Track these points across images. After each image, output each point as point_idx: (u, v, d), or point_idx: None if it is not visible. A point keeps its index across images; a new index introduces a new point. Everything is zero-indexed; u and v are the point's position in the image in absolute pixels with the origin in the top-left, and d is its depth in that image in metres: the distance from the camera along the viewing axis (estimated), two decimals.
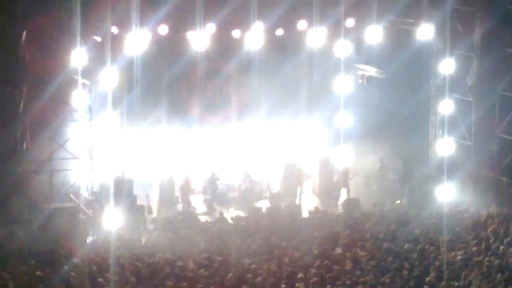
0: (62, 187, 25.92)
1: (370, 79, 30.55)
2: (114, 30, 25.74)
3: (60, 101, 25.73)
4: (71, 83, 25.57)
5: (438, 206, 24.87)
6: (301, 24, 27.73)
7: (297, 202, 29.03)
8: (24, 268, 19.66)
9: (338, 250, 21.20)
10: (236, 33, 27.37)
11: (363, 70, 30.67)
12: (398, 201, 28.41)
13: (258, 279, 18.78)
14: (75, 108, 25.94)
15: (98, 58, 25.71)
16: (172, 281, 18.69)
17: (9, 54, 24.93)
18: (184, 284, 18.49)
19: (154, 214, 27.50)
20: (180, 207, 28.43)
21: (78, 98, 25.68)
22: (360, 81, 31.12)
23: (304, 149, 31.73)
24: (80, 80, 25.46)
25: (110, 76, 24.73)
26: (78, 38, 24.69)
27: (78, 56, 24.72)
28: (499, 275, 18.51)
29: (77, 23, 24.61)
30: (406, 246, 21.06)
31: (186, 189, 28.84)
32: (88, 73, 25.66)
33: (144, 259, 20.41)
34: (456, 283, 18.28)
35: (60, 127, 26.17)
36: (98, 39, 25.98)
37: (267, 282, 18.81)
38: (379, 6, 27.91)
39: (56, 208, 24.93)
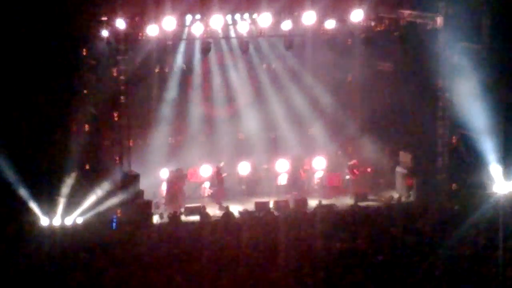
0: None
1: (379, 71, 30.42)
2: (121, 24, 25.62)
3: None
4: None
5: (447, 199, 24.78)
6: (308, 16, 27.43)
7: (304, 195, 28.86)
8: None
9: (346, 244, 21.11)
10: (243, 25, 27.17)
11: (373, 62, 30.53)
12: (407, 195, 28.31)
13: (267, 273, 18.74)
14: (81, 102, 25.95)
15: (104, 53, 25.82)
16: (179, 276, 18.64)
17: None
18: (192, 278, 18.44)
19: (161, 209, 27.41)
20: (186, 200, 28.29)
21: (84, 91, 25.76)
22: (370, 73, 31.00)
23: (312, 142, 31.58)
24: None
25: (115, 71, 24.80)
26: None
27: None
28: None
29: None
30: (415, 240, 20.94)
31: (191, 182, 28.78)
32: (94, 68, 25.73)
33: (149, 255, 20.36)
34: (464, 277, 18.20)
35: None
36: (105, 34, 25.95)
37: (276, 276, 18.76)
38: None
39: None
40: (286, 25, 27.19)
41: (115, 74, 25.95)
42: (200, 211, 26.70)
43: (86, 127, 26.05)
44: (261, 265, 19.37)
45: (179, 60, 29.76)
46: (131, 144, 27.26)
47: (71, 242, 21.65)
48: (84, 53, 25.64)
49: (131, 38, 26.04)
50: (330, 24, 27.38)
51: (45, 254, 20.66)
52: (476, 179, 27.13)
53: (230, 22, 26.85)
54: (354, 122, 31.52)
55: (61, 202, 24.64)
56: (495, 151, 26.99)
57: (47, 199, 24.76)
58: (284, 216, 25.25)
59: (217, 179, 29.16)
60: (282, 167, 30.27)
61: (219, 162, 29.45)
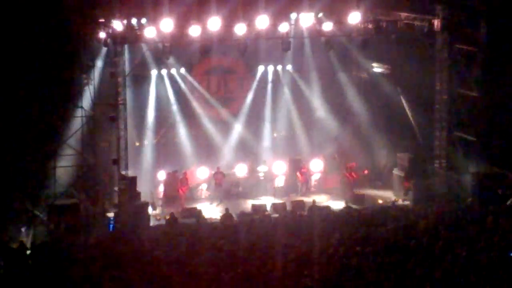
0: (65, 184, 25.88)
1: (377, 74, 30.46)
2: (118, 25, 25.60)
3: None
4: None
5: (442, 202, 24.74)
6: (306, 18, 27.39)
7: (301, 198, 28.85)
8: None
9: (342, 247, 21.04)
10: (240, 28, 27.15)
11: (370, 65, 30.57)
12: (404, 197, 28.32)
13: (264, 275, 18.69)
14: (78, 104, 25.94)
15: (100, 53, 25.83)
16: (176, 278, 18.59)
17: None
18: (190, 280, 18.38)
19: (158, 210, 27.39)
20: (183, 202, 28.25)
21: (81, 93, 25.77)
22: (368, 76, 31.03)
23: (310, 144, 31.63)
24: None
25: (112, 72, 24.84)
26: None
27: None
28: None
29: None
30: (411, 242, 20.88)
31: (188, 184, 28.77)
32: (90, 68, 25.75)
33: (146, 256, 20.29)
34: (462, 280, 18.13)
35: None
36: (102, 35, 25.96)
37: (273, 279, 18.71)
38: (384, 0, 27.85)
39: (59, 204, 24.81)
40: (283, 27, 27.14)
41: (112, 76, 25.91)
42: (196, 213, 26.67)
43: (83, 128, 26.02)
44: (259, 267, 19.30)
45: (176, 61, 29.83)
46: (128, 145, 27.23)
47: (69, 243, 21.65)
48: (81, 55, 25.62)
49: (128, 40, 26.00)
50: (328, 26, 27.34)
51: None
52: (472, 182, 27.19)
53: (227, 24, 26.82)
54: (351, 124, 31.56)
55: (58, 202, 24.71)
56: (492, 153, 27.10)
57: (43, 199, 24.82)
58: (281, 218, 25.19)
59: (215, 180, 29.22)
60: (280, 169, 30.26)
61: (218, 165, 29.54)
